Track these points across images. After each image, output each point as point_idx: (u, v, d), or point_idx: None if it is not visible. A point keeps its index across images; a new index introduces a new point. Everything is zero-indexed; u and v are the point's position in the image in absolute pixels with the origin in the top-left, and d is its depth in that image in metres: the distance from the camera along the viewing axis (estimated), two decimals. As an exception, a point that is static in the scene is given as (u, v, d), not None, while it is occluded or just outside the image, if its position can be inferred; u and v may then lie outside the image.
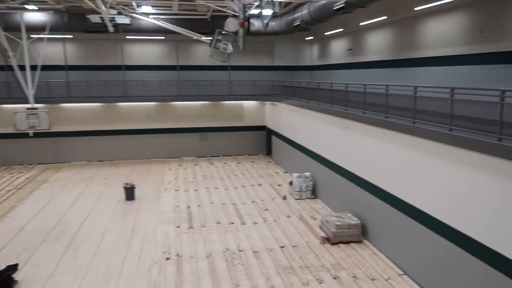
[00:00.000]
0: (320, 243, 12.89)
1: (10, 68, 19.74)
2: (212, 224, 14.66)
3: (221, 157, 26.15)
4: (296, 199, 17.49)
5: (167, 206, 16.67)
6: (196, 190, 19.03)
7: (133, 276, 10.94)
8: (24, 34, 19.66)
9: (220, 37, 19.10)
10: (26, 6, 19.38)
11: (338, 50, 20.80)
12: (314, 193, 17.78)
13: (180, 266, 11.43)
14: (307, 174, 17.81)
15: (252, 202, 17.22)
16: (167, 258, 11.92)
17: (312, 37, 24.23)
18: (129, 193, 17.46)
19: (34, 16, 21.00)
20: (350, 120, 13.75)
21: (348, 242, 12.77)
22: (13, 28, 20.06)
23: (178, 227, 14.41)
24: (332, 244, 12.73)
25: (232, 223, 14.79)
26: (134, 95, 23.69)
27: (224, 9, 19.37)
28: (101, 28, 20.33)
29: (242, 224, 14.70)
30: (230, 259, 11.86)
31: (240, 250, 12.42)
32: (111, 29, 19.35)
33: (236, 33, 16.73)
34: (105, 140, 24.83)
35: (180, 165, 24.02)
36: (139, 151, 25.37)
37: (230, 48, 18.90)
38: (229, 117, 26.38)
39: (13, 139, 22.89)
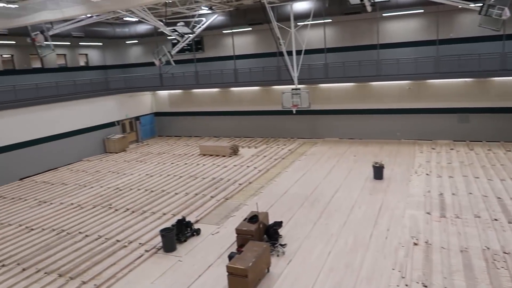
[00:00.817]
0: None
1: (281, 54, 22.87)
2: (469, 217, 13.04)
3: (484, 143, 22.66)
4: None
5: (417, 190, 15.86)
6: (451, 176, 17.28)
7: (379, 253, 11.05)
8: (292, 22, 22.31)
9: (493, 2, 16.26)
10: (295, -3, 21.91)
11: None
12: None
13: (429, 255, 10.74)
14: None
15: (526, 198, 14.29)
16: (415, 244, 11.41)
17: None
18: (378, 172, 17.55)
19: (300, 5, 23.50)
20: None
21: None
22: (283, 19, 23.03)
23: (428, 213, 13.53)
24: None
25: (496, 219, 12.71)
26: (387, 74, 23.32)
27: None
28: (359, 9, 20.81)
29: (510, 223, 12.43)
30: (491, 259, 10.29)
31: (505, 252, 10.58)
32: (369, 8, 19.49)
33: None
34: (357, 119, 25.65)
35: (433, 148, 22.27)
36: (388, 131, 25.01)
37: (507, 13, 15.85)
38: (498, 96, 22.39)
39: (280, 115, 26.67)
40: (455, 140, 23.54)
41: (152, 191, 18.00)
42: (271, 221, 12.86)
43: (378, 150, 22.69)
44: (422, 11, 22.79)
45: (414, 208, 14.06)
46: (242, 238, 11.66)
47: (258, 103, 28.20)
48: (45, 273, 11.28)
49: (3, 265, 11.89)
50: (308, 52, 23.25)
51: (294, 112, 22.79)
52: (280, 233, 12.49)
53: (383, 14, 23.65)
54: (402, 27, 24.04)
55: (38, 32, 19.85)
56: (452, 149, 21.94)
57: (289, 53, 22.44)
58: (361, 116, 25.51)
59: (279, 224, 12.95)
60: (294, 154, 23.34)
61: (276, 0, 22.33)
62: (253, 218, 12.26)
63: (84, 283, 10.65)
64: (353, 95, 25.54)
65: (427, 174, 17.76)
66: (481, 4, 16.40)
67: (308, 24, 22.67)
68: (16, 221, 15.54)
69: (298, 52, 22.47)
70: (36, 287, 10.61)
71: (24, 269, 11.57)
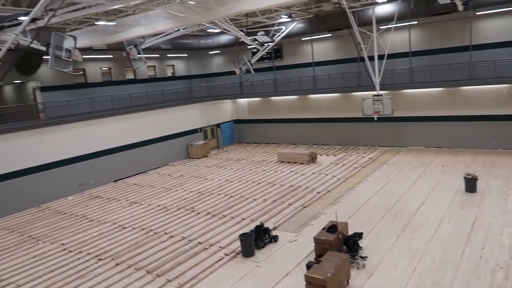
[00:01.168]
0: None
1: (361, 59, 22.20)
2: None
3: None
4: None
5: (518, 206, 14.27)
6: (559, 192, 15.27)
7: (472, 274, 10.09)
8: (374, 26, 21.56)
9: None
10: (377, 0, 21.18)
11: None
12: None
13: (534, 279, 9.56)
14: None
15: None
16: (516, 265, 10.25)
17: None
18: (470, 184, 16.09)
19: (383, 8, 22.61)
20: None
21: None
22: (365, 23, 22.34)
23: (532, 232, 12.09)
24: None
25: None
26: (481, 78, 21.40)
27: None
28: (448, 9, 19.46)
29: None
30: None
31: None
32: (460, 7, 18.12)
33: None
34: (445, 126, 23.86)
35: (537, 160, 19.89)
36: (482, 140, 22.84)
37: None
38: None
39: (360, 122, 25.84)
40: None
41: (231, 196, 18.52)
42: (350, 232, 12.47)
43: (470, 160, 20.84)
44: (523, 7, 20.62)
45: (515, 226, 12.65)
46: (321, 247, 11.45)
47: (337, 110, 27.65)
48: (135, 269, 12.16)
49: (100, 259, 13.06)
50: (391, 56, 22.28)
51: (376, 119, 21.94)
52: (360, 245, 12.03)
53: (477, 13, 21.82)
54: (498, 26, 21.93)
55: (132, 46, 21.66)
56: (561, 160, 19.40)
57: (371, 58, 21.71)
58: (450, 123, 23.66)
59: (359, 235, 12.50)
60: (375, 163, 22.41)
61: (357, 4, 21.79)
62: (331, 228, 11.99)
63: (168, 281, 11.27)
64: (441, 101, 23.82)
65: (530, 188, 15.89)
66: None
67: (391, 27, 21.75)
68: (110, 219, 17.01)
69: (380, 57, 21.63)
70: (127, 281, 11.48)
71: (117, 264, 12.59)
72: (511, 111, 21.79)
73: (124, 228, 15.79)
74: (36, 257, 13.73)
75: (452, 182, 17.48)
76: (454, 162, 20.86)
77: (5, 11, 13.81)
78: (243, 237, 12.52)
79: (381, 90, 21.97)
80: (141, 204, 18.69)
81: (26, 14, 11.34)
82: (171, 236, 14.44)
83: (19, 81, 24.27)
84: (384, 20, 22.47)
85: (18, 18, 11.81)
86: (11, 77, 22.22)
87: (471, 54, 21.82)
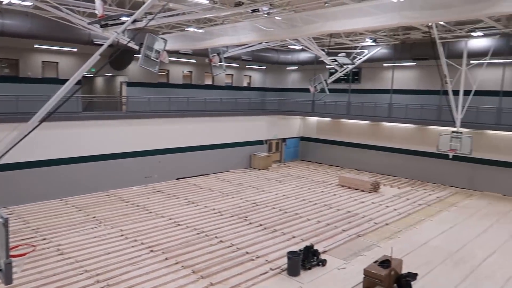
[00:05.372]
0: None
1: (445, 92, 21.02)
2: None
3: None
4: None
5: None
6: None
7: None
8: (464, 60, 20.35)
9: None
10: (471, 34, 19.97)
11: None
12: None
13: None
14: None
15: None
16: None
17: None
18: (551, 244, 14.40)
19: (477, 42, 21.22)
20: None
21: None
22: (454, 55, 21.16)
23: None
24: None
25: None
26: None
27: None
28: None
29: None
30: None
31: None
32: None
33: None
34: (530, 176, 21.65)
35: None
36: None
37: None
38: None
39: (432, 157, 24.37)
40: None
41: (286, 212, 18.42)
42: (404, 271, 11.78)
43: (556, 218, 18.66)
44: None
45: None
46: (370, 281, 10.98)
47: (409, 141, 26.37)
48: (182, 266, 12.55)
49: (152, 251, 13.69)
50: (478, 93, 20.87)
51: (451, 157, 20.62)
52: (413, 287, 11.28)
53: None
54: None
55: (215, 54, 22.66)
56: None
57: (455, 92, 20.49)
58: (537, 173, 21.43)
59: (413, 276, 11.75)
60: (443, 203, 20.92)
61: (449, 35, 20.72)
62: (384, 263, 11.44)
63: (212, 284, 11.47)
64: (529, 148, 21.69)
65: None
66: None
67: (484, 63, 20.36)
68: (167, 214, 17.77)
69: (466, 93, 20.35)
70: (173, 276, 11.89)
71: (166, 258, 13.10)
72: None
73: (179, 225, 16.40)
74: (96, 238, 14.76)
75: (530, 238, 15.78)
76: (536, 217, 18.81)
77: (111, 11, 15.27)
78: (291, 255, 12.38)
79: (461, 127, 20.63)
80: (197, 205, 19.30)
81: (127, 15, 12.44)
82: (221, 241, 14.70)
83: (110, 75, 26.52)
84: (476, 54, 21.13)
85: (121, 18, 12.98)
86: (104, 70, 24.37)
87: None
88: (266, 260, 13.13)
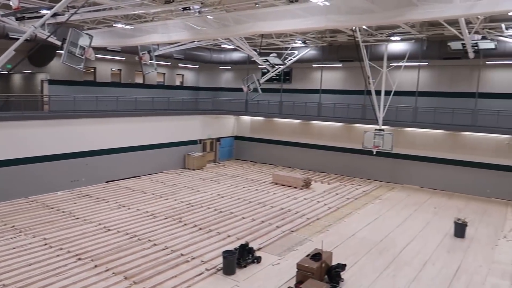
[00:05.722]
0: None
1: (368, 93, 22.43)
2: None
3: None
4: None
5: (504, 257, 14.13)
6: (549, 249, 15.15)
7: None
8: (385, 62, 21.89)
9: None
10: (391, 38, 21.57)
11: None
12: None
13: (512, 335, 9.41)
14: None
15: None
16: (495, 318, 10.11)
17: None
18: (460, 229, 16.01)
19: (396, 46, 22.97)
20: None
21: None
22: (376, 58, 22.73)
23: (515, 286, 11.95)
24: None
25: None
26: (484, 126, 21.54)
27: None
28: (460, 54, 19.72)
29: None
30: None
31: None
32: (471, 55, 18.44)
33: None
34: (442, 169, 23.86)
35: (531, 214, 19.82)
36: (478, 186, 22.81)
37: None
38: None
39: (359, 154, 25.89)
40: (559, 208, 20.72)
41: (221, 212, 18.44)
42: (334, 262, 12.38)
43: (463, 206, 20.78)
44: (532, 62, 20.92)
45: (499, 277, 12.51)
46: (302, 274, 11.36)
47: (338, 139, 27.79)
48: (113, 273, 12.02)
49: (79, 259, 12.93)
50: (397, 93, 22.55)
51: (374, 153, 22.07)
52: (342, 277, 11.91)
53: (486, 62, 22.12)
54: (505, 78, 22.21)
55: (145, 51, 21.92)
56: (554, 218, 19.30)
57: (378, 92, 21.98)
58: (448, 166, 23.69)
59: (342, 266, 12.37)
60: (369, 196, 22.35)
61: (371, 39, 22.15)
62: (316, 256, 11.92)
63: (145, 289, 11.14)
64: (442, 143, 23.92)
65: (520, 242, 15.78)
66: None
67: (401, 65, 22.06)
68: (96, 219, 16.89)
69: (387, 93, 21.90)
70: (103, 284, 11.35)
71: (96, 266, 12.46)
72: (509, 162, 21.85)
73: (109, 230, 15.68)
74: (16, 249, 13.60)
75: (442, 225, 17.40)
76: (446, 205, 20.79)
77: (28, 2, 14.13)
78: (226, 254, 12.42)
79: (383, 125, 22.18)
80: (129, 208, 18.61)
81: (48, 8, 11.58)
82: (155, 244, 14.32)
83: (29, 72, 24.54)
84: (395, 57, 22.83)
85: (40, 11, 12.05)
86: (22, 67, 22.49)
87: (476, 101, 22.02)
88: (202, 261, 13.05)
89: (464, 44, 17.56)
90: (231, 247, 13.68)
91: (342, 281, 11.81)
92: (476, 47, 18.05)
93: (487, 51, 18.54)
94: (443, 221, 17.91)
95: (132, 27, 17.74)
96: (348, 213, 19.01)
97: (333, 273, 11.79)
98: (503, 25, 18.11)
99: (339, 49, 25.44)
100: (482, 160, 22.59)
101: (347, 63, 26.07)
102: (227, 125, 32.88)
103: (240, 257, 12.74)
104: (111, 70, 27.17)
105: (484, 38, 18.03)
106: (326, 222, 17.55)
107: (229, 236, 15.36)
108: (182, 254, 13.50)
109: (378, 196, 22.30)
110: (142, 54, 21.83)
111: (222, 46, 27.91)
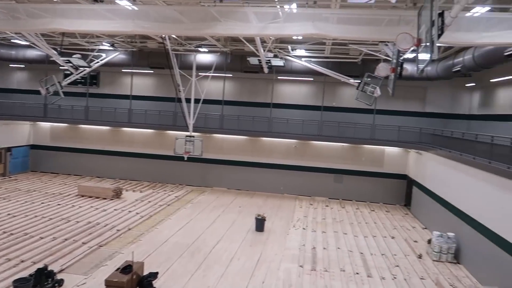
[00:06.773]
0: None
1: (179, 100, 23.03)
2: (335, 270, 14.06)
3: (354, 202, 25.18)
4: (434, 260, 15.58)
5: (293, 243, 16.68)
6: (324, 232, 18.62)
7: (252, 307, 11.12)
8: (194, 72, 22.91)
9: (368, 81, 18.97)
10: (199, 49, 22.74)
11: (508, 99, 18.30)
12: (456, 258, 15.59)
13: (298, 308, 11.16)
14: (451, 234, 15.76)
15: (382, 255, 15.99)
16: (287, 297, 11.81)
17: (473, 84, 21.99)
18: (260, 224, 18.10)
19: (204, 57, 24.31)
20: (512, 181, 11.79)
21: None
22: (186, 67, 23.56)
23: (301, 266, 14.24)
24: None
25: (358, 273, 13.92)
26: (277, 132, 24.91)
27: (376, 54, 19.22)
28: (257, 69, 22.34)
29: (369, 276, 13.71)
30: (351, 313, 11.09)
31: (363, 306, 11.53)
32: (266, 70, 21.12)
33: (386, 77, 16.38)
34: (245, 171, 26.55)
35: (311, 204, 23.95)
36: (274, 185, 26.31)
37: (378, 92, 18.60)
38: (368, 161, 25.45)
39: (171, 160, 26.26)
40: (330, 198, 25.74)
41: (11, 234, 15.77)
42: (146, 272, 12.21)
43: (262, 203, 23.56)
44: (312, 79, 25.39)
45: (289, 261, 14.68)
46: (112, 290, 10.78)
47: (149, 146, 27.55)
48: None
49: None
50: (206, 102, 23.88)
51: (186, 158, 22.79)
52: (155, 285, 11.86)
53: (278, 77, 25.68)
54: (293, 91, 26.31)
55: None
56: (327, 206, 23.85)
57: (188, 100, 22.79)
58: (249, 168, 26.49)
59: (154, 275, 12.30)
60: (181, 201, 22.92)
61: (181, 48, 22.83)
62: (126, 268, 11.51)
63: None
64: (245, 148, 26.57)
65: (304, 229, 18.87)
66: (359, 81, 19.14)
67: (209, 75, 23.48)
68: None
69: (197, 101, 22.95)
70: None
71: None
72: (296, 162, 25.97)
73: None
74: None
75: (245, 222, 19.29)
76: (249, 203, 23.19)
77: None
78: (18, 283, 10.74)
79: (194, 131, 23.12)
80: None
81: None
82: None
83: None
84: (204, 67, 24.13)
85: None
86: None
87: (271, 111, 25.29)
88: (-15, 296, 10.93)
89: (260, 60, 20.06)
90: (25, 273, 11.90)
91: (154, 289, 11.77)
92: (269, 64, 20.90)
93: (278, 67, 21.70)
94: (246, 218, 19.85)
95: None
96: (160, 220, 19.03)
97: (145, 283, 11.64)
98: (289, 47, 21.36)
99: (150, 55, 25.28)
100: (277, 162, 26.15)
101: (158, 70, 26.12)
102: (21, 132, 28.42)
103: (37, 284, 11.20)
104: None
105: (275, 56, 21.01)
106: (138, 231, 17.12)
107: (22, 261, 13.28)
108: (-45, 292, 11.01)
109: (190, 200, 23.09)
110: None
111: (12, 40, 24.10)
